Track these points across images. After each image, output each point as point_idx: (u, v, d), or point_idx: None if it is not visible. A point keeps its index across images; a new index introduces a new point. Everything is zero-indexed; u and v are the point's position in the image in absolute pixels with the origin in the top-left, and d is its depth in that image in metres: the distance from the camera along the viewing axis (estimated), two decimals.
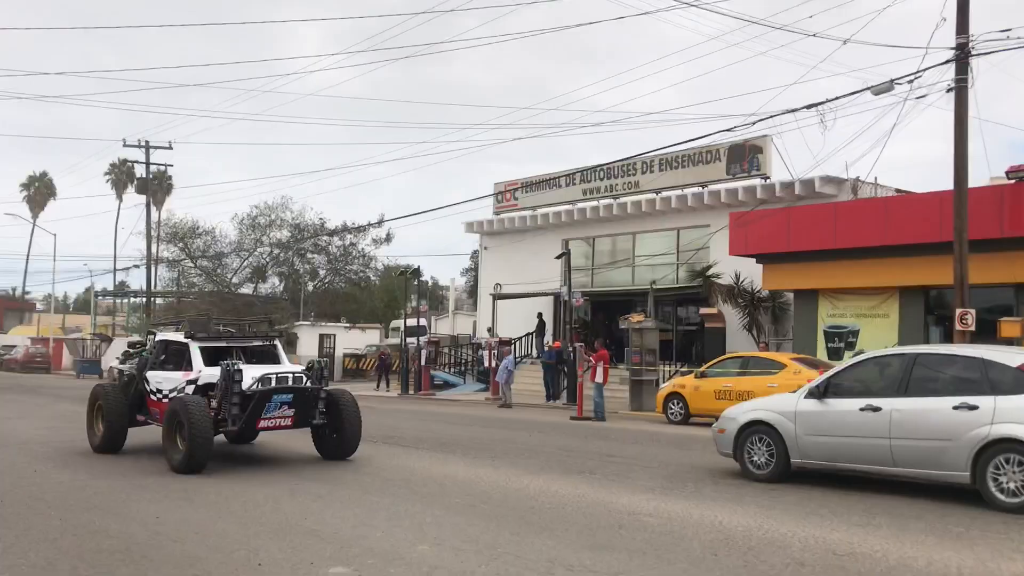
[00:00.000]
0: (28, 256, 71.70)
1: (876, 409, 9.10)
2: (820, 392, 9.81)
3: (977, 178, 20.73)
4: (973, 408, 8.44)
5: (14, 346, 49.61)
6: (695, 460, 12.32)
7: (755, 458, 10.21)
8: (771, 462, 10.02)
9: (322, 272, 47.30)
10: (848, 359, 22.22)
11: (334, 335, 40.59)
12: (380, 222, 44.57)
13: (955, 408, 8.56)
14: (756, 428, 10.26)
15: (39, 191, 71.96)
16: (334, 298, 46.16)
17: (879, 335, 22.60)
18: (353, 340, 41.50)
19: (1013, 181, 20.12)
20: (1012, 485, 8.16)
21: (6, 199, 78.57)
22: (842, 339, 23.35)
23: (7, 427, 16.14)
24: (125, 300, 61.48)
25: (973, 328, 18.54)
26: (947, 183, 19.26)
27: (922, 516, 8.05)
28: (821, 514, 8.05)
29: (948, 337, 20.31)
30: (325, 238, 45.89)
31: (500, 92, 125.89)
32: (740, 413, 10.74)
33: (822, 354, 22.86)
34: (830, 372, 10.37)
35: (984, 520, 7.86)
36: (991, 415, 8.34)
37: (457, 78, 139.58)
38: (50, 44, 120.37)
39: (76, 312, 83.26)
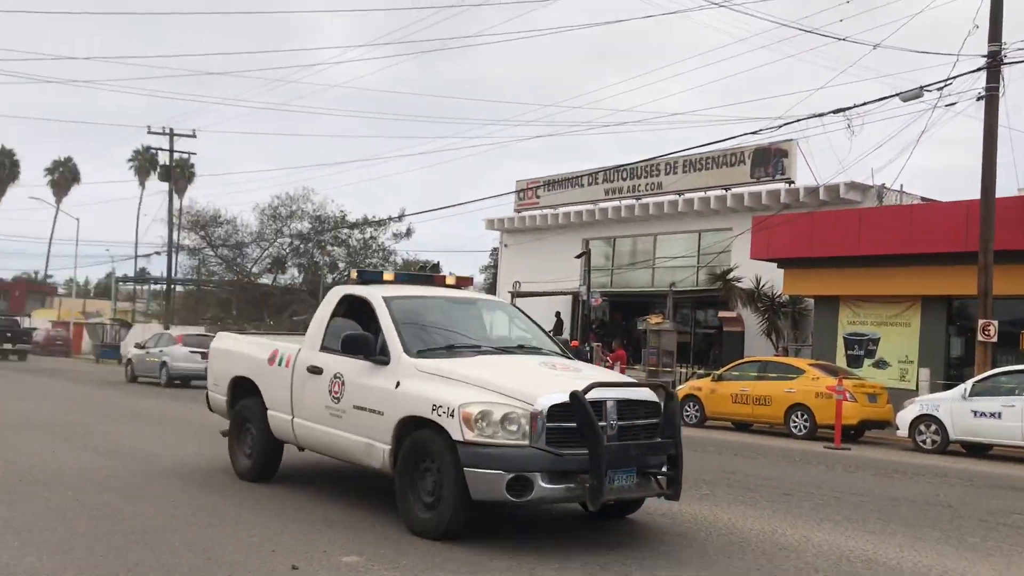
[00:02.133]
0: (51, 240, 72.63)
1: None
2: None
3: (1005, 188, 20.55)
4: None
5: (35, 329, 50.04)
6: (709, 463, 12.26)
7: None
8: None
9: (342, 265, 47.40)
10: (868, 367, 22.23)
11: None
12: (401, 216, 44.58)
13: None
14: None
15: (63, 176, 72.63)
16: None
17: (900, 344, 22.44)
18: None
19: None
20: None
21: (31, 183, 79.40)
22: (862, 347, 23.18)
23: (27, 408, 16.27)
24: (145, 287, 61.96)
25: (995, 339, 18.40)
26: (973, 192, 19.11)
27: (936, 525, 7.98)
28: (835, 520, 7.99)
29: (969, 348, 20.15)
30: (345, 231, 46.00)
31: (525, 89, 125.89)
32: None
33: (841, 361, 22.72)
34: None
35: (1000, 532, 7.80)
36: None
37: (482, 74, 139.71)
38: (77, 28, 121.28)
39: (97, 297, 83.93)
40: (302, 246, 45.57)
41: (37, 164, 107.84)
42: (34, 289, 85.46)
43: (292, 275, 47.13)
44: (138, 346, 28.17)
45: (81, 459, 9.96)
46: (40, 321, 57.54)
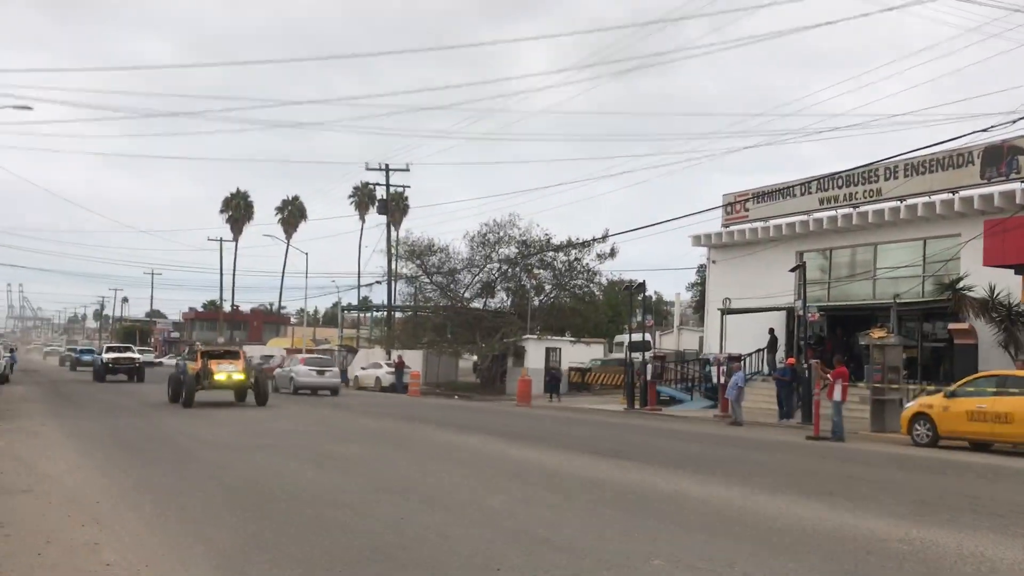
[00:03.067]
0: (283, 273, 77.76)
1: None
2: None
3: None
4: None
5: (272, 356, 54.04)
6: (949, 486, 11.42)
7: None
8: None
9: (547, 287, 48.09)
10: None
11: (560, 349, 41.13)
12: (604, 237, 44.63)
13: None
14: None
15: (291, 213, 77.99)
16: (559, 312, 46.75)
17: None
18: (578, 354, 41.87)
19: None
20: None
21: (263, 221, 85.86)
22: None
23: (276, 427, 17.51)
24: (368, 314, 65.40)
25: None
26: None
27: None
28: None
29: None
30: (551, 253, 46.64)
31: (726, 101, 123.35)
32: None
33: None
34: None
35: None
36: None
37: (685, 89, 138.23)
38: (295, 73, 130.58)
39: (325, 325, 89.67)
40: (509, 270, 46.63)
41: (268, 203, 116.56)
42: (270, 320, 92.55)
43: (501, 299, 48.29)
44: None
45: (317, 477, 10.62)
46: (275, 349, 62.15)
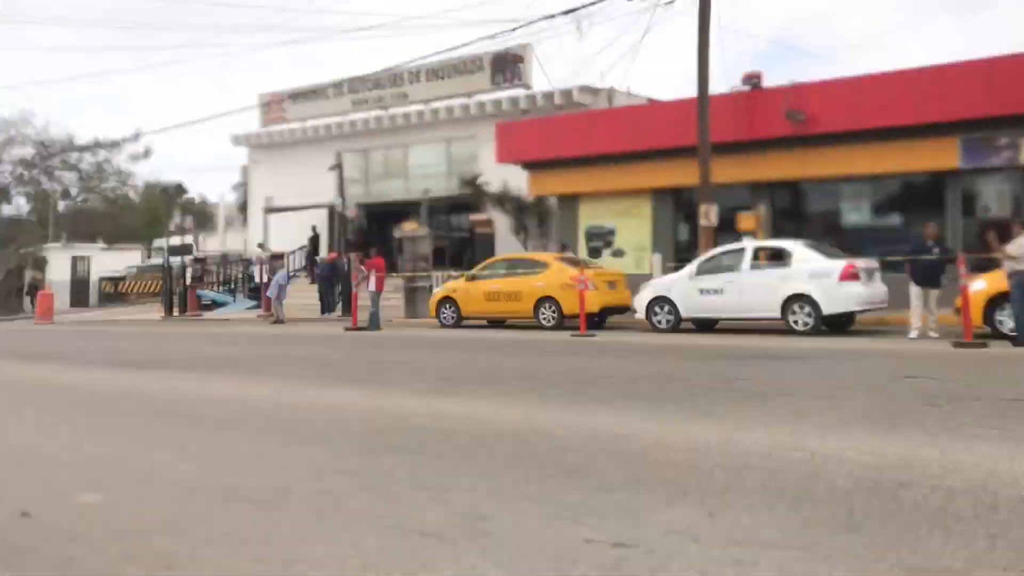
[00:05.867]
0: None
1: None
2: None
3: (721, 87, 22.32)
4: None
5: None
6: (468, 360, 12.84)
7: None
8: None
9: (74, 191, 43.96)
10: (607, 257, 23.82)
11: (89, 257, 38.16)
12: (136, 136, 41.71)
13: None
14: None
15: None
16: (89, 218, 43.12)
17: (634, 234, 24.20)
18: (112, 262, 39.18)
19: (748, 88, 21.85)
20: None
21: None
22: (601, 238, 24.80)
23: None
24: None
25: (716, 224, 20.28)
26: (692, 92, 20.67)
27: (673, 398, 8.91)
28: (582, 403, 8.72)
29: (696, 234, 22.08)
30: (75, 155, 42.52)
31: None
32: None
33: (583, 253, 24.20)
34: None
35: (727, 398, 8.82)
36: None
37: None
38: None
39: None
40: (26, 173, 41.78)
41: None
42: None
43: (18, 204, 43.25)
44: None
45: None
46: None
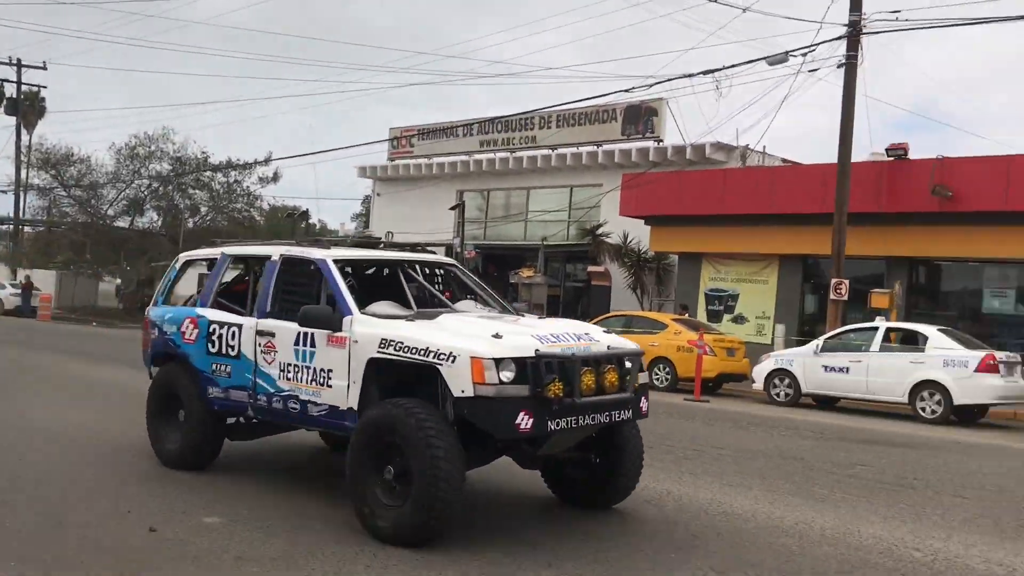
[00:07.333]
0: None
1: None
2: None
3: (860, 154, 21.53)
4: None
5: None
6: None
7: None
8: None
9: (203, 209, 45.66)
10: (727, 322, 23.10)
11: None
12: (267, 160, 43.05)
13: None
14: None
15: None
16: (215, 236, 44.62)
17: (758, 300, 23.38)
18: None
19: (892, 159, 20.95)
20: None
21: None
22: (722, 302, 24.06)
23: None
24: None
25: (846, 298, 19.39)
26: (831, 156, 19.94)
27: (789, 478, 8.33)
28: (695, 473, 8.23)
29: (823, 305, 21.18)
30: (208, 174, 44.19)
31: (395, 35, 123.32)
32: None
33: (702, 316, 23.50)
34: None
35: (845, 484, 8.22)
36: None
37: (352, 17, 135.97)
38: None
39: None
40: (161, 188, 43.58)
41: None
42: None
43: (151, 218, 45.08)
44: None
45: None
46: None
